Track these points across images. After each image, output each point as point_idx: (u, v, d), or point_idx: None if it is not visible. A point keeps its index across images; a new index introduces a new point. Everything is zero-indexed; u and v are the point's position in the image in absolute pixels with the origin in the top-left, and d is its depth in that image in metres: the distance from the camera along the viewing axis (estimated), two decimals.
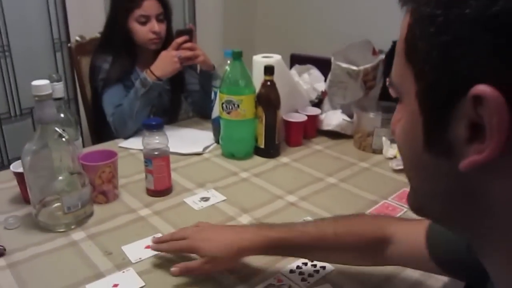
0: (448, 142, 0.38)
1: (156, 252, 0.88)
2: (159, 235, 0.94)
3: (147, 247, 0.90)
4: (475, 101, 0.35)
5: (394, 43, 1.84)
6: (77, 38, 2.18)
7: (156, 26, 1.55)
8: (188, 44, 1.49)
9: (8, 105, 2.18)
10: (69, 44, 2.25)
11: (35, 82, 0.89)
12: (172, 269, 0.82)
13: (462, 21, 0.35)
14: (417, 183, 0.47)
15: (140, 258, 0.88)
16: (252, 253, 0.80)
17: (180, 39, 1.47)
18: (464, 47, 0.35)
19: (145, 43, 1.58)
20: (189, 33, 1.50)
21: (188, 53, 1.49)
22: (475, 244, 0.45)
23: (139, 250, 0.90)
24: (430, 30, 0.37)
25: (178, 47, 1.47)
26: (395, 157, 1.32)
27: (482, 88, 0.34)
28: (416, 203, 0.49)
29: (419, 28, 0.39)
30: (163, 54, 1.48)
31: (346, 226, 0.78)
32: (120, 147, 1.40)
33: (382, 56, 1.45)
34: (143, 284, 0.81)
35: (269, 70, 1.27)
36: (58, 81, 1.05)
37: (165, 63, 1.47)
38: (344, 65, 1.40)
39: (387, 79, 1.54)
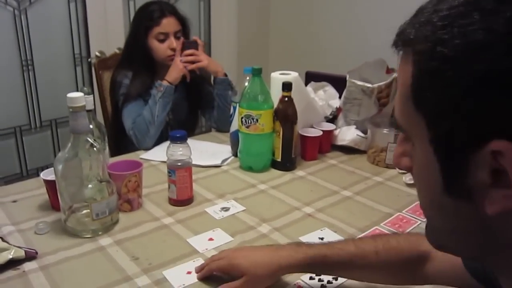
0: (469, 186, 0.39)
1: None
2: (200, 260, 0.93)
3: (189, 272, 0.90)
4: (495, 153, 0.36)
5: None
6: (97, 53, 2.27)
7: (174, 43, 1.62)
8: (189, 51, 1.62)
9: (29, 117, 2.25)
10: (89, 59, 2.34)
11: (71, 94, 0.94)
12: None
13: (472, 76, 0.36)
14: (437, 222, 0.47)
15: (183, 285, 0.86)
16: (291, 270, 0.81)
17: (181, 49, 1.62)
18: (475, 101, 0.36)
19: (163, 60, 1.65)
20: (194, 44, 1.64)
21: (190, 58, 1.61)
22: (496, 271, 0.47)
23: (182, 275, 0.89)
24: (440, 83, 0.38)
25: (181, 55, 1.61)
26: None
27: (501, 145, 0.35)
28: (437, 240, 0.50)
29: (427, 80, 0.39)
30: (172, 63, 1.62)
31: (386, 244, 0.78)
32: (142, 158, 1.45)
33: (395, 74, 1.50)
34: None
35: (287, 86, 1.32)
36: (89, 94, 1.11)
37: (172, 70, 1.61)
38: (359, 82, 1.45)
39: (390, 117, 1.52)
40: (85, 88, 1.09)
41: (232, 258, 0.84)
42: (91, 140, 0.99)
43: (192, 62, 1.62)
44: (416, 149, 0.44)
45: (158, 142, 1.57)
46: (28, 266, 0.90)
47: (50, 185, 1.09)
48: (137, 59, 1.64)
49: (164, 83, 1.58)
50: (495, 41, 0.35)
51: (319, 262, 0.78)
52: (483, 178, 0.37)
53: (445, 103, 0.38)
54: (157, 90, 1.57)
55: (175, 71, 1.61)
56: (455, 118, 0.37)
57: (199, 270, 0.88)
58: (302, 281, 0.87)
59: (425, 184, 0.45)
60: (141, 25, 1.63)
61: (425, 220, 1.06)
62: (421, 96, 0.40)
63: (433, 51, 0.38)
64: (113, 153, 1.84)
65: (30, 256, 0.92)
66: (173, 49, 1.62)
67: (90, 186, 1.01)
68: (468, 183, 0.39)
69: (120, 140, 1.74)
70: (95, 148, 0.99)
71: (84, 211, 1.02)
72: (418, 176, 0.46)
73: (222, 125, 1.69)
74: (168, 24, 1.62)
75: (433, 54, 0.38)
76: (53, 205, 1.12)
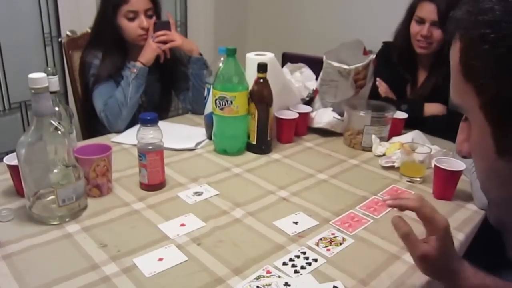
0: None
1: (171, 265, 0.85)
2: (171, 246, 0.89)
3: (160, 259, 0.87)
4: None
5: (385, 43, 1.88)
6: (68, 32, 2.18)
7: (144, 22, 1.57)
8: (161, 32, 1.58)
9: None
10: (59, 39, 2.25)
11: (32, 75, 0.89)
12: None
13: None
14: (494, 193, 0.50)
15: (154, 272, 0.83)
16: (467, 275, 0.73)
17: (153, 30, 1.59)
18: None
19: (134, 39, 1.59)
20: (166, 24, 1.60)
21: (163, 37, 1.58)
22: None
23: (153, 263, 0.86)
24: (484, 48, 0.41)
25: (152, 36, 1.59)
26: (384, 154, 1.34)
27: None
28: (496, 216, 0.52)
29: (473, 49, 0.43)
30: (144, 43, 1.58)
31: None
32: (113, 141, 1.41)
33: (373, 56, 1.48)
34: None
35: (262, 67, 1.28)
36: (53, 74, 1.06)
37: (146, 50, 1.56)
38: (336, 64, 1.43)
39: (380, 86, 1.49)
40: (49, 69, 1.04)
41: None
42: (55, 123, 0.94)
43: (165, 42, 1.58)
44: (471, 122, 0.47)
45: (130, 125, 1.53)
46: None
47: (14, 170, 1.04)
48: (106, 39, 1.58)
49: (138, 64, 1.54)
50: None
51: None
52: None
53: (491, 66, 0.41)
54: (130, 71, 1.53)
55: (149, 52, 1.56)
56: (501, 77, 0.40)
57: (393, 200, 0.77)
58: (276, 266, 0.85)
59: (480, 153, 0.47)
60: (110, 2, 1.57)
61: None
62: (469, 66, 0.44)
63: (476, 21, 0.42)
64: (84, 137, 1.79)
65: None
66: (144, 29, 1.57)
67: (55, 171, 0.97)
68: None
69: (91, 123, 1.69)
70: (59, 132, 0.94)
71: (50, 197, 0.98)
72: (474, 149, 0.48)
73: (198, 107, 1.65)
74: (137, 1, 1.55)
75: (476, 24, 0.42)
76: (18, 191, 1.07)
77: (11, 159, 1.06)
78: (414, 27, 1.61)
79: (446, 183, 1.12)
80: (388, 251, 0.91)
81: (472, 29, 0.42)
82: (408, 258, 0.89)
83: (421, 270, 0.76)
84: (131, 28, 1.57)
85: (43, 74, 0.91)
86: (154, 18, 1.60)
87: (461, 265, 0.73)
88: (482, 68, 0.42)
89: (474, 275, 0.72)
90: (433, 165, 1.14)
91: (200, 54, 1.64)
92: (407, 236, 0.73)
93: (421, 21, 1.59)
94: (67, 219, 0.98)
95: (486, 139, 0.44)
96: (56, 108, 1.10)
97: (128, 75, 1.53)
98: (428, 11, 1.56)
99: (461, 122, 0.51)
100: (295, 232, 0.97)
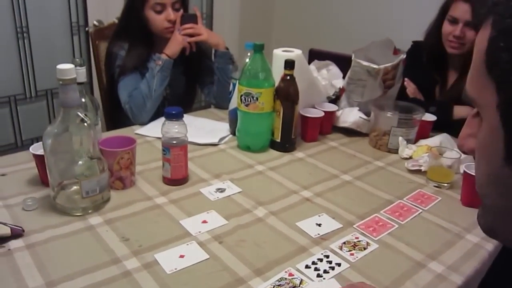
0: None
1: (193, 263, 0.84)
2: (193, 243, 0.89)
3: (181, 256, 0.86)
4: None
5: (414, 43, 1.83)
6: (95, 22, 2.20)
7: (171, 14, 1.56)
8: (189, 25, 1.58)
9: (24, 86, 2.19)
10: (87, 28, 2.27)
11: (61, 66, 0.89)
12: None
13: None
14: (493, 200, 0.46)
15: (175, 269, 0.83)
16: None
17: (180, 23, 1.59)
18: None
19: (161, 32, 1.59)
20: (193, 17, 1.60)
21: (189, 30, 1.57)
22: None
23: (174, 259, 0.86)
24: None
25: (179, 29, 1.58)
26: (410, 157, 1.31)
27: None
28: (489, 222, 0.48)
29: (504, 40, 0.38)
30: (170, 36, 1.58)
31: None
32: (137, 134, 1.41)
33: (403, 56, 1.44)
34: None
35: (289, 64, 1.26)
36: (81, 65, 1.06)
37: (172, 43, 1.56)
38: (365, 62, 1.40)
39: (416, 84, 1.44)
40: (77, 60, 1.04)
41: None
42: (81, 115, 0.94)
43: (191, 35, 1.57)
44: (483, 120, 0.43)
45: (154, 117, 1.53)
46: (14, 244, 0.87)
47: (40, 160, 1.05)
48: (133, 31, 1.58)
49: (163, 56, 1.53)
50: None
51: None
52: None
53: None
54: (155, 63, 1.52)
55: (175, 44, 1.56)
56: None
57: None
58: (298, 269, 0.84)
59: (487, 155, 0.44)
60: None
61: (426, 208, 1.02)
62: (495, 57, 0.40)
63: (511, 9, 0.37)
64: (108, 127, 1.80)
65: (16, 233, 0.89)
66: (171, 21, 1.56)
67: (80, 162, 0.97)
68: None
69: (115, 114, 1.70)
70: (85, 123, 0.94)
71: (74, 188, 0.98)
72: (480, 148, 0.45)
73: (222, 101, 1.64)
74: None
75: (511, 12, 0.37)
76: (43, 180, 1.08)
77: (37, 149, 1.06)
78: (447, 27, 1.57)
79: (475, 191, 1.09)
80: (413, 259, 0.89)
81: (507, 18, 0.38)
82: (434, 267, 0.87)
83: None
84: (158, 20, 1.56)
85: (71, 65, 0.91)
86: (181, 11, 1.59)
87: None
88: (510, 63, 0.38)
89: None
90: (462, 171, 1.11)
91: (227, 48, 1.63)
92: None
93: (454, 21, 1.54)
94: (90, 211, 0.99)
95: (496, 142, 0.41)
96: (82, 99, 1.10)
97: (153, 67, 1.52)
98: (462, 11, 1.51)
99: (470, 116, 0.48)
100: (318, 234, 0.95)
